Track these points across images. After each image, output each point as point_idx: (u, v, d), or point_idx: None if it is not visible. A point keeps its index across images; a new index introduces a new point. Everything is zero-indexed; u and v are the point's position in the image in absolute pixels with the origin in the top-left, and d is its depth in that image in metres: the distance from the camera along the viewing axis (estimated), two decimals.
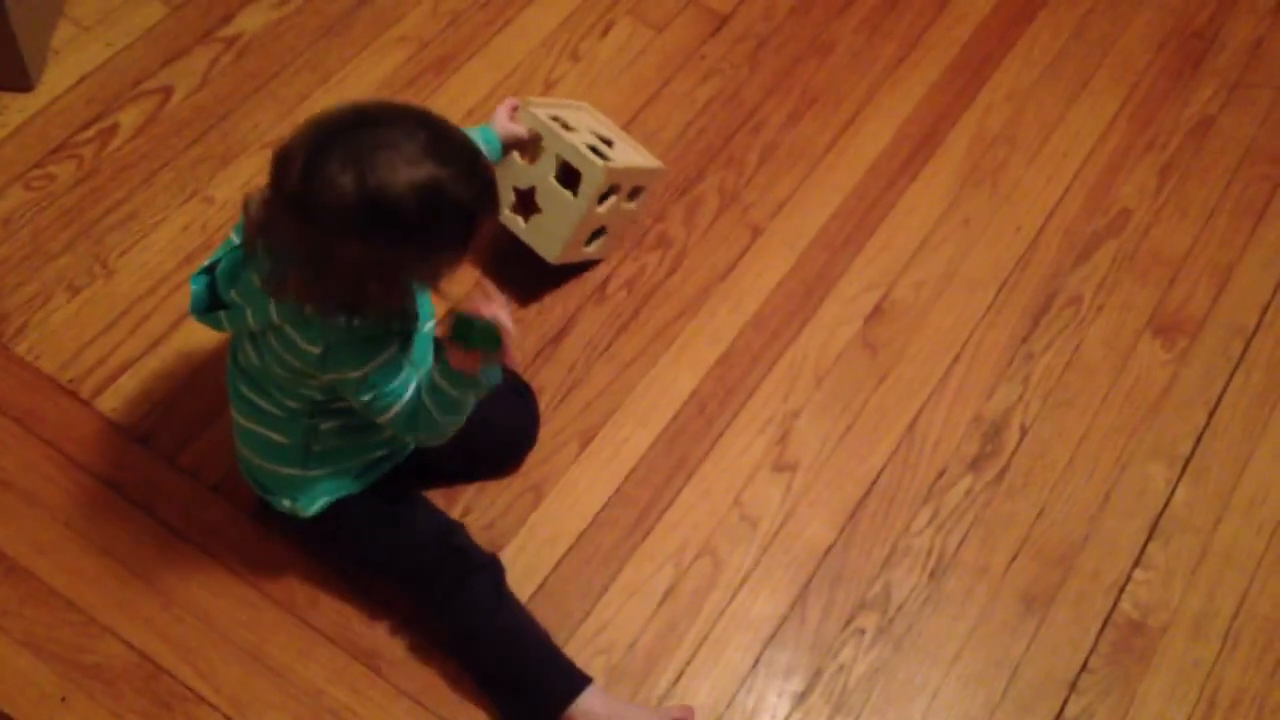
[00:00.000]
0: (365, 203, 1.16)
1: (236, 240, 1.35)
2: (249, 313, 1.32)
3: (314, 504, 1.46)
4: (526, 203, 1.72)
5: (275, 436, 1.44)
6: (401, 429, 1.37)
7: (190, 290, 1.39)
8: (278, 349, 1.33)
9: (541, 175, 1.69)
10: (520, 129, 1.65)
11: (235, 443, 1.51)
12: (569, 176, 1.67)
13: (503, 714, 1.48)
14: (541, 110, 1.68)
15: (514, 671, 1.48)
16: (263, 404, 1.42)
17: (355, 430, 1.44)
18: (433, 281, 1.27)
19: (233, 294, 1.34)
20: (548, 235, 1.69)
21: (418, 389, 1.35)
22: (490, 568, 1.50)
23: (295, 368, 1.34)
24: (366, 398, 1.33)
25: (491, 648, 1.47)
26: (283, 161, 1.19)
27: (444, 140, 1.21)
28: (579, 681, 1.46)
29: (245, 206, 1.26)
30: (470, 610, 1.47)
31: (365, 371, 1.30)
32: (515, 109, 1.67)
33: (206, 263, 1.39)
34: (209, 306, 1.38)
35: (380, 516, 1.48)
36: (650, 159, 1.77)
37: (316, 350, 1.29)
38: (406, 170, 1.16)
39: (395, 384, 1.33)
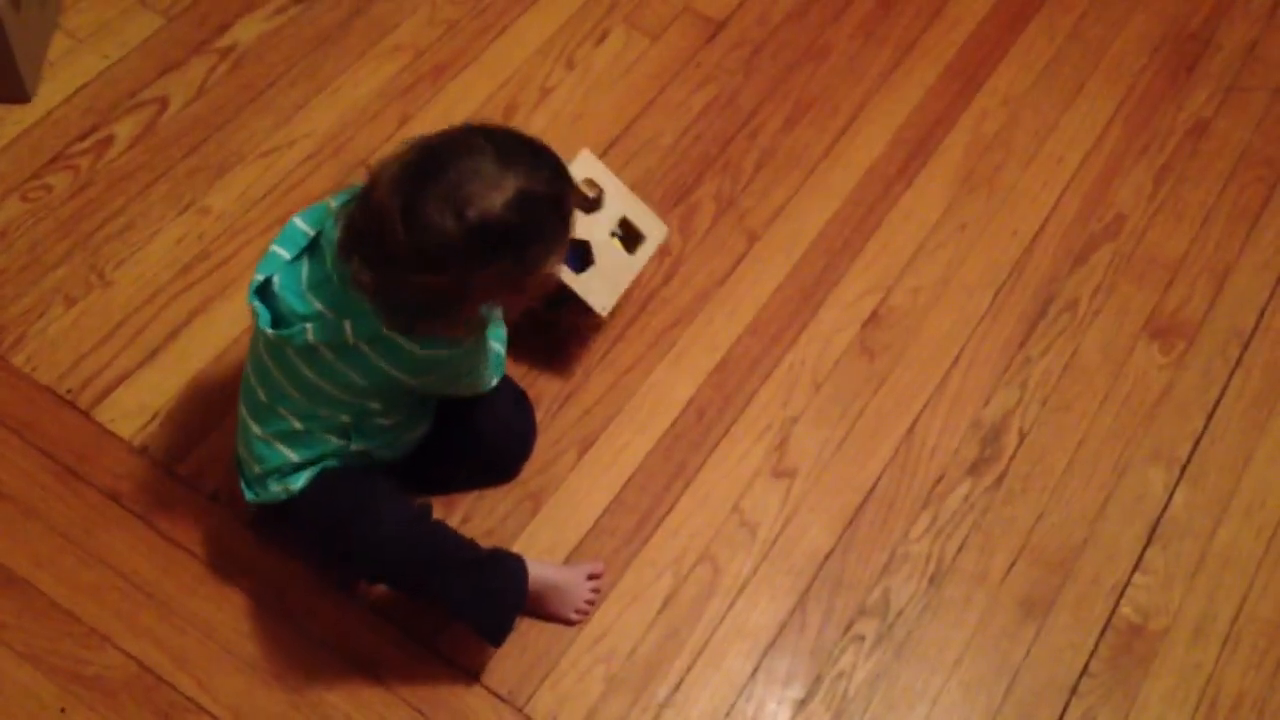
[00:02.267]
0: (474, 235, 1.22)
1: (283, 254, 1.36)
2: (347, 325, 1.31)
3: (300, 479, 1.45)
4: (577, 257, 1.68)
5: (291, 455, 1.43)
6: (482, 388, 1.49)
7: (255, 310, 1.36)
8: (370, 357, 1.34)
9: (601, 229, 1.69)
10: None
11: (238, 443, 1.49)
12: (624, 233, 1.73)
13: (479, 625, 1.48)
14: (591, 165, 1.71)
15: (470, 585, 1.47)
16: (293, 421, 1.41)
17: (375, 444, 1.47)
18: (557, 266, 1.34)
19: (317, 305, 1.33)
20: (602, 288, 1.67)
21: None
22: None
23: (384, 376, 1.35)
24: (475, 378, 1.45)
25: (441, 577, 1.46)
26: (378, 223, 1.23)
27: (508, 145, 1.26)
28: (519, 560, 1.51)
29: (354, 276, 1.26)
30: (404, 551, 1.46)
31: (479, 359, 1.43)
32: None
33: (259, 279, 1.36)
34: (276, 319, 1.37)
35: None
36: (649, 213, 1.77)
37: (442, 353, 1.35)
38: (496, 191, 1.22)
39: (490, 363, 1.47)
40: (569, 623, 1.56)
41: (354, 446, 1.45)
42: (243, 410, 1.46)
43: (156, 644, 1.50)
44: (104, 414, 1.66)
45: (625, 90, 2.06)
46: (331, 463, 1.45)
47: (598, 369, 1.76)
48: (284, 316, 1.35)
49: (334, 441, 1.43)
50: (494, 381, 1.50)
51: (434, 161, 1.24)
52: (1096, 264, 1.95)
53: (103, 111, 1.94)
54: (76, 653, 1.49)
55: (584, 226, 1.67)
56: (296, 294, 1.34)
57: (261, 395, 1.42)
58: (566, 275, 1.65)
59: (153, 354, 1.72)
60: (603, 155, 1.97)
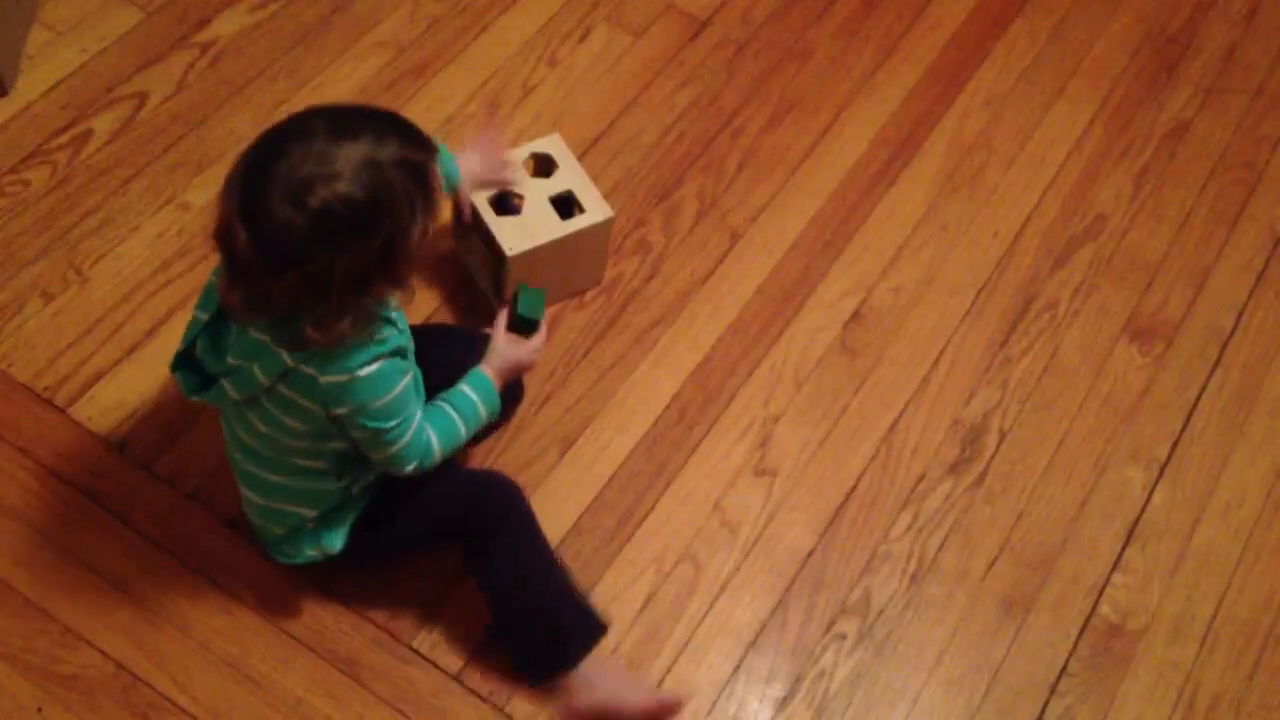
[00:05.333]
0: (321, 222, 1.15)
1: (203, 316, 1.34)
2: (256, 369, 1.28)
3: (336, 539, 1.45)
4: (505, 204, 1.72)
5: (305, 511, 1.42)
6: (410, 455, 1.35)
7: (177, 380, 1.35)
8: (293, 398, 1.29)
9: (540, 192, 1.70)
10: (481, 168, 1.65)
11: (246, 511, 1.48)
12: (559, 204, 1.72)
13: (517, 660, 1.50)
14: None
15: (530, 623, 1.47)
16: (282, 480, 1.39)
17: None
18: (426, 236, 1.23)
19: (230, 360, 1.31)
20: (517, 233, 1.67)
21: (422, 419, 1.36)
22: (517, 520, 1.48)
23: (312, 415, 1.31)
24: (389, 424, 1.30)
25: (511, 598, 1.47)
26: (228, 237, 1.17)
27: (345, 119, 1.19)
28: (595, 633, 1.48)
29: (223, 296, 1.23)
30: (494, 561, 1.46)
31: (392, 397, 1.29)
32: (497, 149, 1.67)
33: (181, 347, 1.36)
34: (203, 385, 1.35)
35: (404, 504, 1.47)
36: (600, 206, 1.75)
37: (339, 379, 1.26)
38: (336, 169, 1.15)
39: (411, 409, 1.33)
40: None
41: (354, 487, 1.43)
42: (238, 481, 1.46)
43: (134, 643, 1.49)
44: (82, 411, 1.64)
45: (608, 88, 2.06)
46: (352, 512, 1.44)
47: (579, 367, 1.76)
48: (212, 378, 1.34)
49: (333, 484, 1.41)
50: (410, 466, 1.36)
51: (265, 154, 1.17)
52: (1077, 264, 1.95)
53: (81, 106, 1.92)
54: (53, 651, 1.47)
55: (525, 187, 1.71)
56: (217, 354, 1.33)
57: (240, 459, 1.42)
58: (486, 213, 1.67)
59: (131, 351, 1.71)
60: (585, 153, 1.97)
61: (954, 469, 1.74)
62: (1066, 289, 1.93)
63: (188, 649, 1.49)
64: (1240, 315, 1.93)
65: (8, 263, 1.76)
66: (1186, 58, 2.23)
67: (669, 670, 1.55)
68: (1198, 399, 1.84)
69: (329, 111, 1.20)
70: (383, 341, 1.27)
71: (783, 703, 1.55)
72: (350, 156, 1.16)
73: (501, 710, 1.50)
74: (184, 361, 1.37)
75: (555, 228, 1.68)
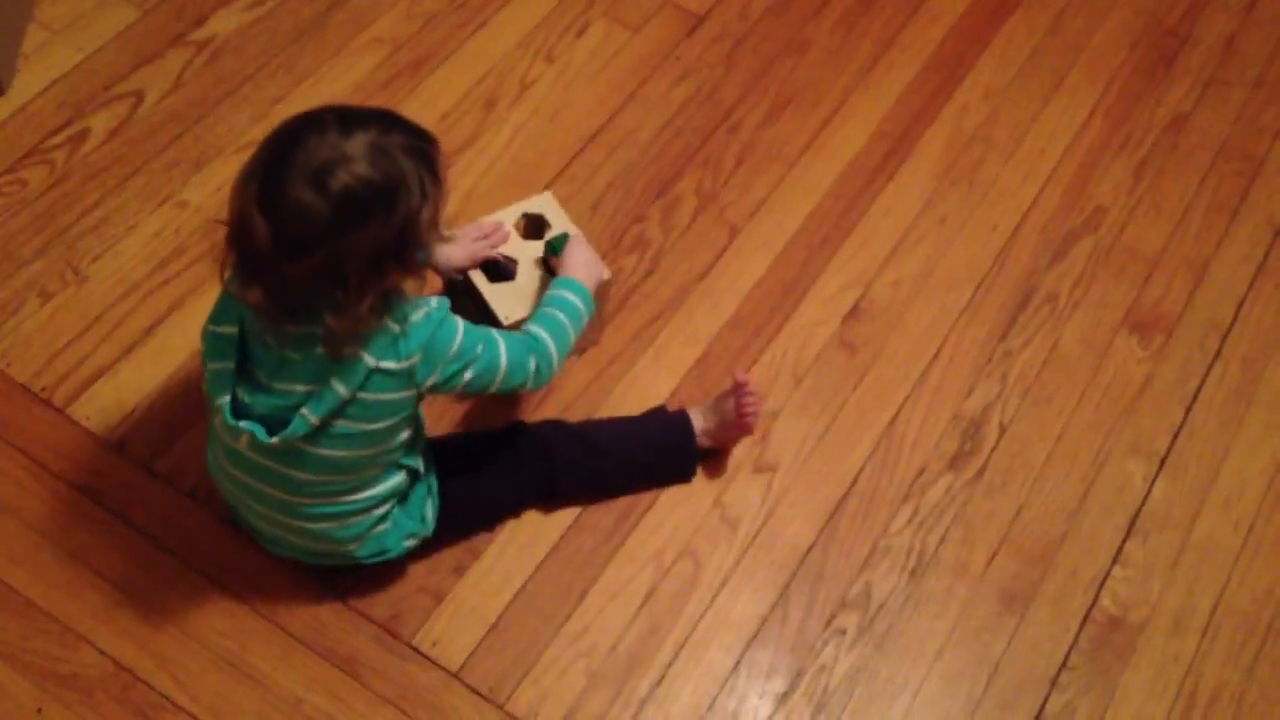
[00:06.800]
0: (344, 202, 1.19)
1: (227, 364, 1.31)
2: (336, 383, 1.28)
3: (425, 523, 1.49)
4: (497, 270, 1.66)
5: (379, 510, 1.43)
6: (517, 362, 1.41)
7: (246, 429, 1.30)
8: (376, 398, 1.30)
9: (532, 253, 1.65)
10: (459, 258, 1.62)
11: (315, 544, 1.45)
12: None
13: (668, 482, 1.67)
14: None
15: (647, 465, 1.65)
16: (355, 498, 1.40)
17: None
18: (436, 220, 1.28)
19: (300, 388, 1.29)
20: (511, 299, 1.62)
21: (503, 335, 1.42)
22: (557, 452, 1.59)
23: (399, 406, 1.33)
24: (474, 355, 1.36)
25: (619, 474, 1.64)
26: (245, 231, 1.20)
27: (352, 113, 1.25)
28: (683, 421, 1.65)
29: (239, 295, 1.23)
30: (589, 481, 1.63)
31: (460, 336, 1.34)
32: (488, 237, 1.66)
33: (224, 403, 1.31)
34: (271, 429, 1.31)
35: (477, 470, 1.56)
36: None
37: (417, 358, 1.30)
38: (350, 153, 1.20)
39: (480, 329, 1.38)
40: (750, 431, 1.65)
41: (419, 466, 1.45)
42: (291, 523, 1.42)
43: (133, 642, 1.49)
44: (80, 411, 1.64)
45: (605, 84, 2.06)
46: (424, 487, 1.48)
47: (578, 364, 1.76)
48: (268, 419, 1.31)
49: (401, 476, 1.43)
50: (529, 371, 1.42)
51: (280, 145, 1.21)
52: (1076, 257, 1.95)
53: (78, 105, 1.92)
54: (53, 651, 1.47)
55: (518, 249, 1.66)
56: (266, 393, 1.31)
57: (295, 504, 1.39)
58: (479, 282, 1.62)
59: (129, 350, 1.70)
60: (583, 149, 1.97)
61: (954, 463, 1.74)
62: (1066, 281, 1.92)
63: (187, 648, 1.49)
64: (1240, 307, 1.93)
65: (5, 262, 1.76)
66: (1185, 50, 2.23)
67: (669, 665, 1.55)
68: (1198, 391, 1.84)
69: (336, 108, 1.26)
70: (438, 308, 1.32)
71: (783, 697, 1.54)
72: (362, 142, 1.21)
73: (502, 708, 1.50)
74: (233, 413, 1.33)
75: None
